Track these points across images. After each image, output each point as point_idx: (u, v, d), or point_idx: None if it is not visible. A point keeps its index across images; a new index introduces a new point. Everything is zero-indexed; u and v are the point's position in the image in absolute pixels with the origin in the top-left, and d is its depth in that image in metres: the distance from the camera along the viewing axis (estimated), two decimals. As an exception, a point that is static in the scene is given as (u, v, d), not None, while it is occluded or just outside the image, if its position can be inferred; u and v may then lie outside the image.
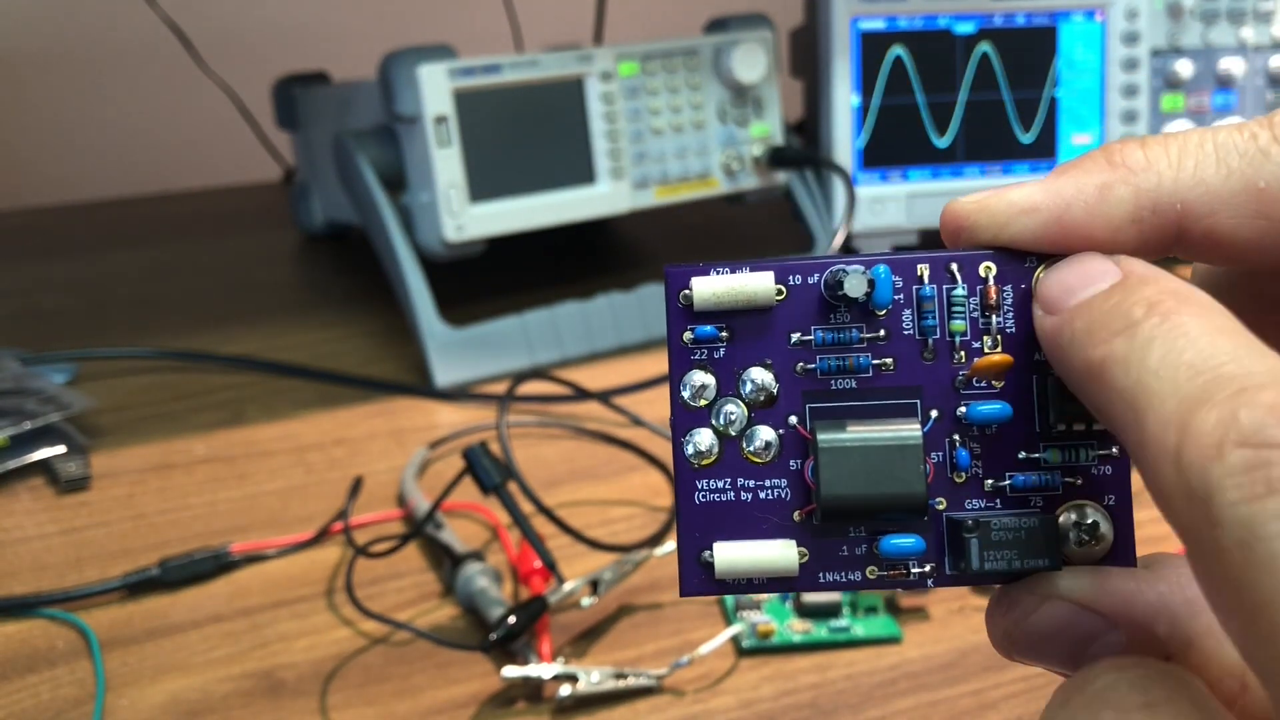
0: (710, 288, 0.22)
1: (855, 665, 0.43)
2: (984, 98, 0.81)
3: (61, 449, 0.58)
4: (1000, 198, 0.21)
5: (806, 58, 0.84)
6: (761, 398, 0.22)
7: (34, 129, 1.19)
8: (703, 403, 0.22)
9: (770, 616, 0.45)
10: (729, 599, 0.46)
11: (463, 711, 0.41)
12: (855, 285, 0.21)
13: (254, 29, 1.22)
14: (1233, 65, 0.82)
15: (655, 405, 0.63)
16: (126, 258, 0.95)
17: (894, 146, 0.81)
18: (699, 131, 0.75)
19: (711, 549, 0.21)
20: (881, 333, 0.22)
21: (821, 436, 0.21)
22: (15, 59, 1.16)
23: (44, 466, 0.58)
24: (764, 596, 0.46)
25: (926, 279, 0.22)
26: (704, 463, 0.22)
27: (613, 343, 0.72)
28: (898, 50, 0.80)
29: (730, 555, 0.21)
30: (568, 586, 0.45)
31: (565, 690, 0.40)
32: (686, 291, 0.22)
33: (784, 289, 0.22)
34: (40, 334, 0.76)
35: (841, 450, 0.21)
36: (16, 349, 0.70)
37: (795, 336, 0.22)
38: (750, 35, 0.75)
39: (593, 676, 0.41)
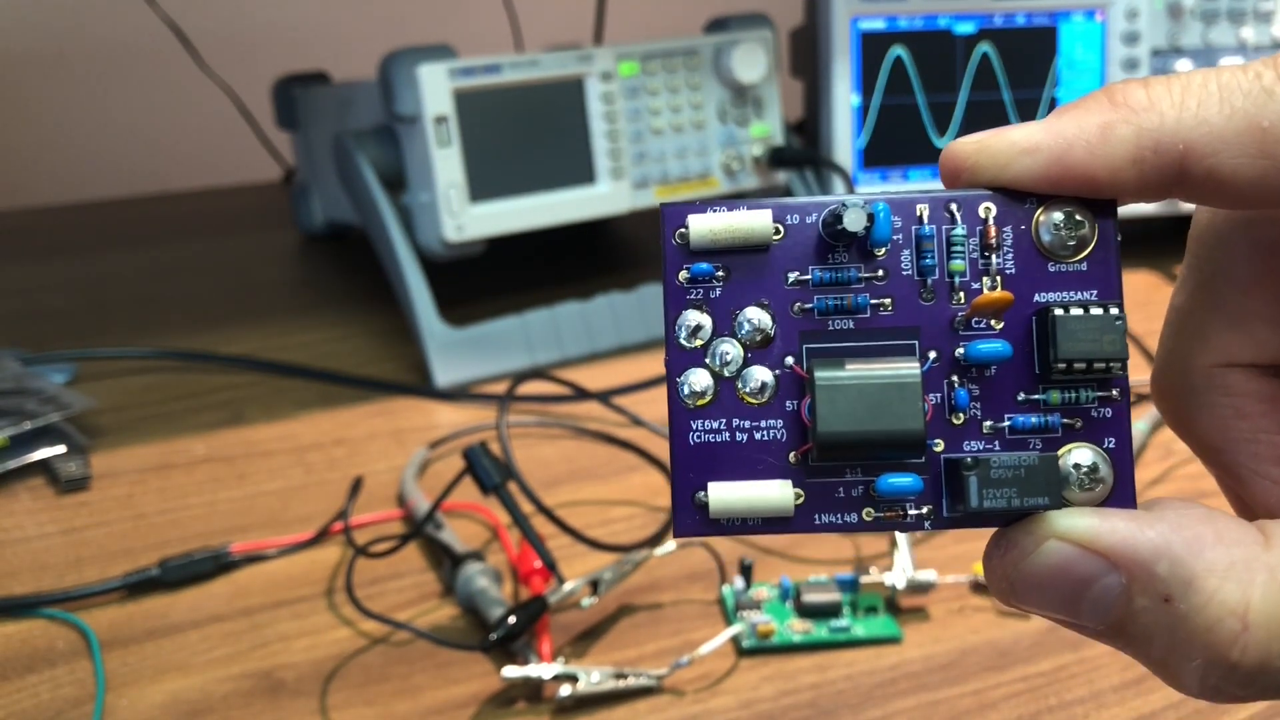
0: (707, 225, 0.21)
1: (855, 665, 0.43)
2: (984, 98, 0.81)
3: (61, 449, 0.58)
4: (1002, 138, 0.21)
5: (806, 58, 0.84)
6: (758, 338, 0.21)
7: (34, 129, 1.18)
8: (698, 343, 0.22)
9: (770, 616, 0.45)
10: (729, 599, 0.46)
11: (463, 711, 0.41)
12: (854, 219, 0.21)
13: (254, 29, 1.21)
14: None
15: (655, 405, 0.63)
16: (126, 258, 0.95)
17: (894, 146, 0.81)
18: (699, 131, 0.75)
19: (706, 489, 0.21)
20: (880, 272, 0.21)
21: (819, 373, 0.21)
22: (15, 59, 1.16)
23: (44, 466, 0.58)
24: (764, 596, 0.46)
25: (926, 219, 0.21)
26: (699, 403, 0.21)
27: (613, 343, 0.72)
28: (898, 50, 0.80)
29: (725, 496, 0.21)
30: (568, 586, 0.45)
31: (565, 690, 0.40)
32: (683, 230, 0.21)
33: (782, 228, 0.21)
34: (40, 334, 0.76)
35: (839, 387, 0.20)
36: (16, 349, 0.70)
37: (793, 276, 0.21)
38: (750, 35, 0.75)
39: (593, 676, 0.41)
